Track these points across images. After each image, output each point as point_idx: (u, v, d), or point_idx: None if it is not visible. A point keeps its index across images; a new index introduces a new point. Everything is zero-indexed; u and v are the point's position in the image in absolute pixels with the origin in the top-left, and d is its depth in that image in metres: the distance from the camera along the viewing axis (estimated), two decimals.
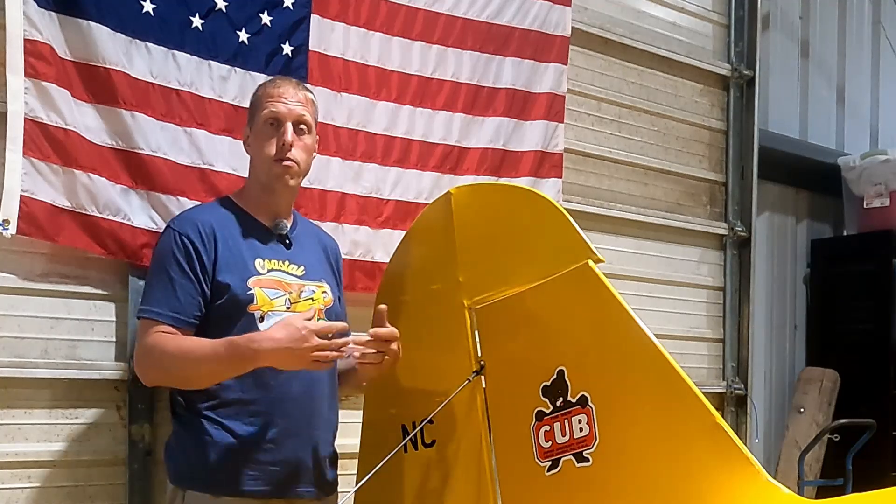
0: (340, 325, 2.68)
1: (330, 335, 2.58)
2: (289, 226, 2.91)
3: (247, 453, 2.71)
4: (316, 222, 3.47)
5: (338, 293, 3.00)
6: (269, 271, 2.80)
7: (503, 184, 3.90)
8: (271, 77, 3.09)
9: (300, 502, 2.82)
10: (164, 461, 2.88)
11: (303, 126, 2.86)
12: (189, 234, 2.75)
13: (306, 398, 2.78)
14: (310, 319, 2.62)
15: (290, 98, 2.84)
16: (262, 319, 2.74)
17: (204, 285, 2.72)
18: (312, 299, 2.84)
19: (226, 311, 2.73)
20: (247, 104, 3.03)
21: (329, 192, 3.66)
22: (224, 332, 2.69)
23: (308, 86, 3.07)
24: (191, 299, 2.71)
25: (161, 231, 2.94)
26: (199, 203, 3.17)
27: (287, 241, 2.89)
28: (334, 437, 2.95)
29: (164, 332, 2.68)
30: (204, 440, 2.70)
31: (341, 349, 2.59)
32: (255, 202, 2.88)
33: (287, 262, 2.85)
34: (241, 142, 3.04)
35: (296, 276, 2.85)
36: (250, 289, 2.74)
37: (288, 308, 2.78)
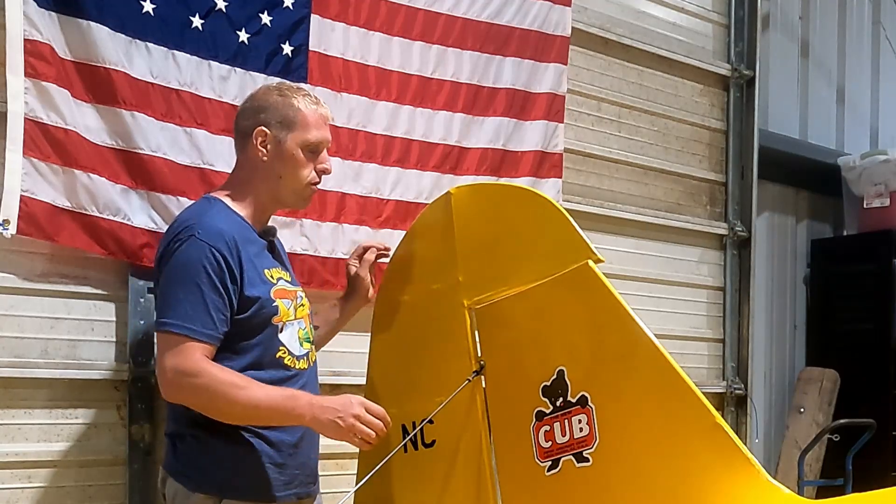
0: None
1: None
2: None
3: (280, 459, 2.72)
4: (316, 222, 3.48)
5: None
6: (277, 280, 2.77)
7: (503, 184, 3.90)
8: (297, 85, 2.94)
9: (308, 500, 2.84)
10: (177, 471, 2.74)
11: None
12: (220, 249, 2.62)
13: None
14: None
15: (328, 122, 2.83)
16: (281, 330, 2.73)
17: (233, 300, 2.64)
18: (303, 304, 2.84)
19: (251, 324, 2.68)
20: None
21: (329, 192, 3.66)
22: (248, 342, 2.67)
23: None
24: (221, 316, 2.61)
25: (179, 237, 2.64)
26: (200, 205, 3.12)
27: (274, 249, 2.87)
28: None
29: (201, 354, 2.57)
30: (241, 449, 2.67)
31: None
32: (253, 210, 2.78)
33: (281, 270, 2.83)
34: None
35: (288, 282, 2.83)
36: (274, 301, 2.71)
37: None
